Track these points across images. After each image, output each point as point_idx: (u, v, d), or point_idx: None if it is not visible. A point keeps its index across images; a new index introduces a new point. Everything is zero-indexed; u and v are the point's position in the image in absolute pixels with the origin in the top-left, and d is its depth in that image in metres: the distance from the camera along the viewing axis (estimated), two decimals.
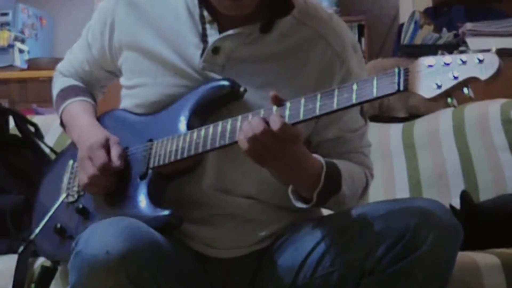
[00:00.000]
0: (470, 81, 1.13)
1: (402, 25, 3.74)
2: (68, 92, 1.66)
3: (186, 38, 1.47)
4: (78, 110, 1.60)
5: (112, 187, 1.45)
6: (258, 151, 1.27)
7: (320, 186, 1.34)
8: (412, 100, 2.56)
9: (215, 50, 1.45)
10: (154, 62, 1.49)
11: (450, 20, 3.57)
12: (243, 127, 1.28)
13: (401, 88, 1.17)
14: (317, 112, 1.25)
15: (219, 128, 1.35)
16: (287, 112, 1.28)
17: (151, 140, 1.46)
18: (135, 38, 1.51)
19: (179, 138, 1.40)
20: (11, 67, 4.78)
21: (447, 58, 1.15)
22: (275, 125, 1.25)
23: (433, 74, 1.15)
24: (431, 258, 1.26)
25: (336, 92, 1.24)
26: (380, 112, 2.57)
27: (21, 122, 2.16)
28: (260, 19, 1.44)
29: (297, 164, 1.32)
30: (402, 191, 2.21)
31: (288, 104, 1.29)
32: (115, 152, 1.46)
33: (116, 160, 1.45)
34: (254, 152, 1.27)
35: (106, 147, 1.46)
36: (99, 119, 1.59)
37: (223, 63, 1.45)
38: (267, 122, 1.26)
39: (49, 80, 1.77)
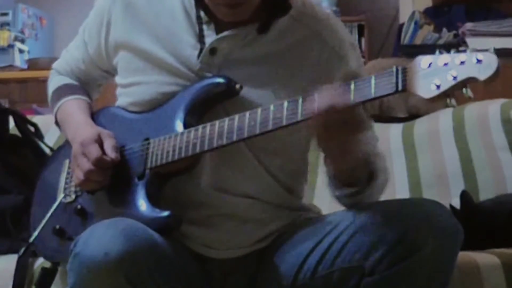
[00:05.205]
0: (469, 81, 1.12)
1: (402, 25, 3.75)
2: (63, 91, 1.66)
3: (183, 39, 1.47)
4: (73, 108, 1.60)
5: (107, 181, 1.44)
6: (328, 124, 1.23)
7: (365, 171, 1.35)
8: (412, 100, 2.56)
9: (212, 51, 1.44)
10: (150, 62, 1.49)
11: (450, 20, 3.57)
12: (321, 93, 1.23)
13: (400, 88, 1.17)
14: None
15: (216, 128, 1.35)
16: (283, 114, 1.28)
17: (147, 139, 1.46)
18: (131, 38, 1.51)
19: (176, 138, 1.40)
20: (11, 67, 4.79)
21: (446, 57, 1.14)
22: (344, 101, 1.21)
23: (432, 74, 1.14)
24: (431, 259, 1.26)
25: None
26: (380, 112, 2.57)
27: (21, 122, 2.16)
28: (257, 19, 1.44)
29: (352, 149, 1.30)
30: (402, 191, 2.21)
31: (285, 104, 1.28)
32: (108, 144, 1.45)
33: (110, 152, 1.44)
34: (324, 125, 1.24)
35: (99, 141, 1.46)
36: (94, 115, 1.59)
37: (220, 64, 1.45)
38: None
39: None
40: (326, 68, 1.45)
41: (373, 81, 1.20)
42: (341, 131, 1.25)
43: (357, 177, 1.37)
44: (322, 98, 1.23)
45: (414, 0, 4.11)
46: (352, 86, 1.22)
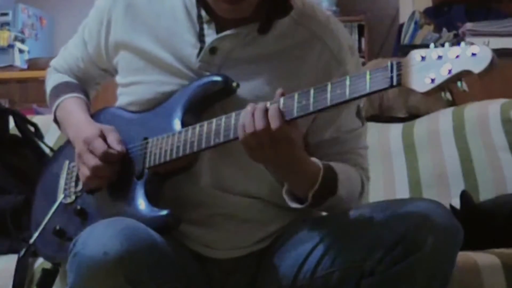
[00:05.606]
0: (463, 75, 1.12)
1: (402, 25, 3.74)
2: (62, 88, 1.65)
3: (183, 38, 1.47)
4: (73, 107, 1.60)
5: (114, 177, 1.45)
6: (252, 146, 1.28)
7: (316, 187, 1.33)
8: (412, 100, 2.56)
9: (213, 50, 1.44)
10: (150, 62, 1.49)
11: (450, 20, 3.57)
12: (244, 118, 1.28)
13: (394, 83, 1.16)
14: (311, 109, 1.25)
15: (213, 126, 1.35)
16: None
17: (146, 139, 1.46)
18: (131, 38, 1.51)
19: (174, 137, 1.40)
20: (11, 67, 4.79)
21: (440, 51, 1.14)
22: (274, 123, 1.25)
23: (426, 67, 1.13)
24: (431, 259, 1.25)
25: (329, 88, 1.23)
26: (380, 112, 2.57)
27: (21, 122, 2.16)
28: (258, 19, 1.44)
29: (292, 165, 1.32)
30: (402, 191, 2.21)
31: (281, 100, 1.29)
32: (112, 138, 1.46)
33: (116, 145, 1.44)
34: (248, 146, 1.28)
35: (102, 136, 1.46)
36: (93, 116, 1.59)
37: (220, 63, 1.45)
38: (268, 120, 1.26)
39: None
40: (324, 71, 1.45)
41: (368, 76, 1.19)
42: (272, 151, 1.27)
43: (304, 195, 1.35)
44: (243, 122, 1.28)
45: (414, 0, 4.11)
46: (348, 82, 1.21)
